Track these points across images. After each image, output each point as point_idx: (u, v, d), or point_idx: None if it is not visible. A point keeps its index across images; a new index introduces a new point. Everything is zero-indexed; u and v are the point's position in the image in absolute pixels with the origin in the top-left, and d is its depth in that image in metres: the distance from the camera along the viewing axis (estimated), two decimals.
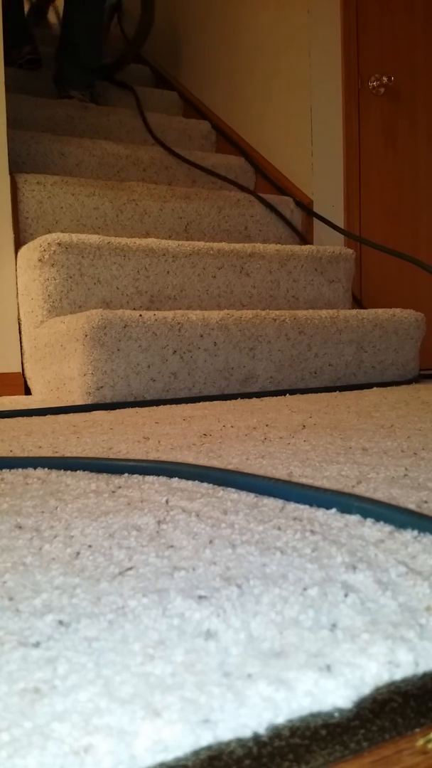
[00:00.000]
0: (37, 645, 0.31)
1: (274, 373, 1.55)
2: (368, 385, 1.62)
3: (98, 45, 2.40)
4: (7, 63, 2.21)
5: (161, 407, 1.32)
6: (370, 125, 2.15)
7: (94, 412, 1.27)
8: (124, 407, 1.32)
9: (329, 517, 0.52)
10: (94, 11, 2.36)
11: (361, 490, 0.60)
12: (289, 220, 2.09)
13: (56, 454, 0.80)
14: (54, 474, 0.70)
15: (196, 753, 0.24)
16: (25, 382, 1.66)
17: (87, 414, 1.24)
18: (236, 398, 1.44)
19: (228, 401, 1.40)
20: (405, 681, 0.29)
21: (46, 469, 0.73)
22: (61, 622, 0.34)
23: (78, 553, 0.45)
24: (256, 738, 0.25)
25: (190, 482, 0.65)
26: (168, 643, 0.31)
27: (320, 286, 1.88)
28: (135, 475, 0.68)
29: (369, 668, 0.29)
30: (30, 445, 0.88)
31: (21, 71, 2.44)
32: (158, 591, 0.38)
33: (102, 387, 1.37)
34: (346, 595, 0.36)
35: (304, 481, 0.64)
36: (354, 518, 0.51)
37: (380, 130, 2.17)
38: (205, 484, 0.64)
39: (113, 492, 0.62)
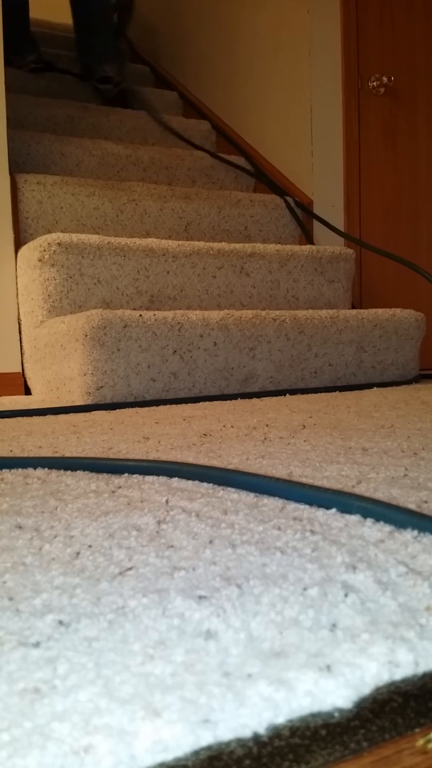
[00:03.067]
0: (37, 645, 0.31)
1: (274, 373, 1.55)
2: (368, 385, 1.62)
3: (112, 30, 2.43)
4: (10, 65, 2.22)
5: (161, 407, 1.32)
6: (370, 125, 2.15)
7: (94, 412, 1.27)
8: (124, 407, 1.32)
9: (329, 517, 0.52)
10: (107, 8, 2.40)
11: (361, 490, 0.60)
12: (291, 211, 2.09)
13: (56, 454, 0.80)
14: (54, 474, 0.70)
15: (196, 753, 0.24)
16: (25, 382, 1.66)
17: (87, 414, 1.23)
18: (236, 398, 1.44)
19: (228, 401, 1.40)
20: (405, 681, 0.29)
21: (46, 469, 0.73)
22: (61, 622, 0.34)
23: (78, 553, 0.45)
24: (256, 738, 0.25)
25: (190, 482, 0.65)
26: (168, 643, 0.31)
27: (320, 286, 1.88)
28: (135, 475, 0.68)
29: (369, 668, 0.29)
30: (30, 445, 0.88)
31: (21, 71, 2.45)
32: (158, 591, 0.38)
33: (102, 387, 1.37)
34: (346, 595, 0.36)
35: (304, 481, 0.64)
36: (354, 518, 0.51)
37: (380, 130, 2.17)
38: (205, 484, 0.64)
39: (113, 492, 0.62)
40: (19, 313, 1.67)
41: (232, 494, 0.60)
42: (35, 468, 0.73)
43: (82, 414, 1.24)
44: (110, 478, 0.67)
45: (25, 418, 1.18)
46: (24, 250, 1.63)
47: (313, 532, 0.48)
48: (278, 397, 1.44)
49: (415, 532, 0.47)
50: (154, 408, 1.31)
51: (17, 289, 1.67)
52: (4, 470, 0.73)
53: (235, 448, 0.82)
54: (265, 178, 2.23)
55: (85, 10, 2.40)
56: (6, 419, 1.16)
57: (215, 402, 1.39)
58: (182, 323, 1.44)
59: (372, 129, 2.15)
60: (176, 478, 0.66)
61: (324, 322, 1.61)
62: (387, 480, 0.63)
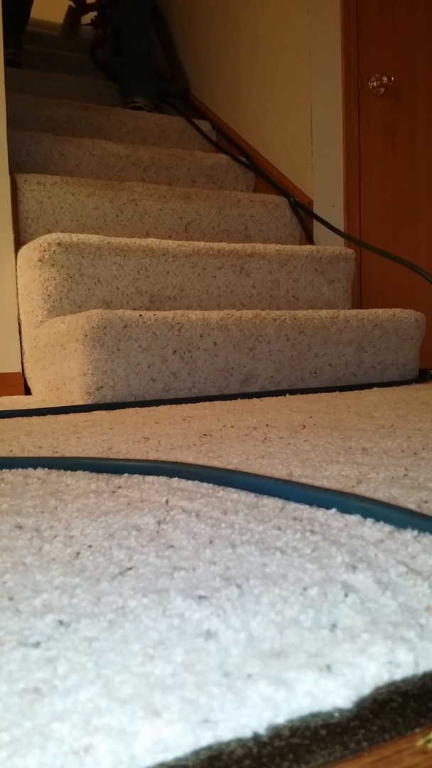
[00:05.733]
0: (37, 645, 0.31)
1: (274, 373, 1.55)
2: (368, 385, 1.62)
3: (151, 50, 2.50)
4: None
5: (161, 407, 1.32)
6: (370, 125, 2.15)
7: (94, 412, 1.27)
8: (124, 407, 1.32)
9: (329, 517, 0.51)
10: (143, 19, 2.47)
11: (361, 490, 0.60)
12: (292, 212, 2.09)
13: (56, 454, 0.80)
14: (54, 474, 0.70)
15: (196, 753, 0.24)
16: (25, 382, 1.66)
17: (87, 414, 1.23)
18: (236, 398, 1.44)
19: (228, 401, 1.40)
20: (405, 681, 0.29)
21: (46, 469, 0.73)
22: (61, 622, 0.34)
23: (78, 553, 0.45)
24: (256, 738, 0.25)
25: (190, 482, 0.65)
26: (168, 643, 0.31)
27: (320, 286, 1.88)
28: (135, 475, 0.68)
29: (369, 668, 0.29)
30: (30, 445, 0.88)
31: (21, 71, 2.45)
32: (158, 591, 0.38)
33: (102, 387, 1.37)
34: (346, 595, 0.36)
35: (304, 481, 0.64)
36: (354, 518, 0.51)
37: (380, 130, 2.17)
38: (205, 484, 0.64)
39: (113, 492, 0.62)
40: (19, 313, 1.67)
41: (232, 494, 0.60)
42: (35, 468, 0.73)
43: (82, 414, 1.24)
44: (110, 478, 0.67)
45: (25, 418, 1.18)
46: (24, 250, 1.63)
47: (313, 532, 0.48)
48: (278, 397, 1.44)
49: (415, 532, 0.47)
50: (154, 408, 1.31)
51: (17, 289, 1.67)
52: (4, 470, 0.73)
53: (235, 448, 0.82)
54: (261, 171, 2.23)
55: (123, 48, 2.48)
56: (6, 419, 1.16)
57: (215, 402, 1.39)
58: (182, 323, 1.44)
59: (372, 129, 2.15)
60: (176, 478, 0.66)
61: (324, 322, 1.61)
62: (387, 480, 0.63)
